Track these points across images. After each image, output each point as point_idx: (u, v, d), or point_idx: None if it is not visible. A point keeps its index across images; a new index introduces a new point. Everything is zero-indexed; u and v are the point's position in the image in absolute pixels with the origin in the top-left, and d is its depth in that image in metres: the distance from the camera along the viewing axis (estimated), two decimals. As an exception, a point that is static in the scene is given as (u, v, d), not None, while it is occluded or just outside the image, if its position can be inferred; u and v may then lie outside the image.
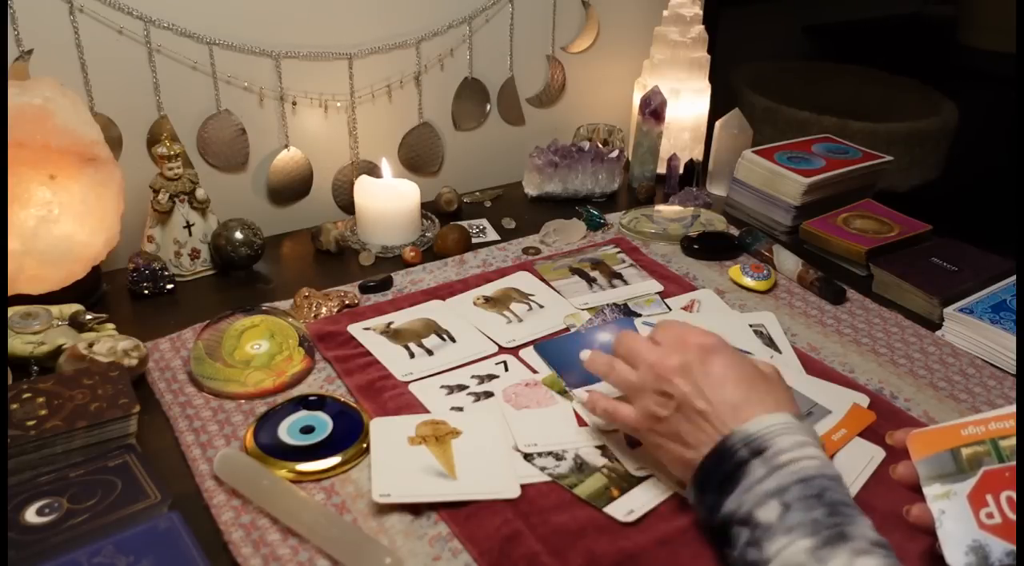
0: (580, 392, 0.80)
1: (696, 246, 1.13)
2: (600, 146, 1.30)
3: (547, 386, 0.85)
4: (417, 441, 0.76)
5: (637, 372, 0.70)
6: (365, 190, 1.13)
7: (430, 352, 0.90)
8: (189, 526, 0.64)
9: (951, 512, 0.59)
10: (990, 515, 0.58)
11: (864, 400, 0.83)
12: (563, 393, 0.84)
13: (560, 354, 0.89)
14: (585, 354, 0.76)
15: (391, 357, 0.89)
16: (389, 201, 1.13)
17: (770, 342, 0.93)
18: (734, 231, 1.19)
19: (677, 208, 1.26)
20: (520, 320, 0.97)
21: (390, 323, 0.95)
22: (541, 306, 0.99)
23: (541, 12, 1.32)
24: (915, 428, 0.68)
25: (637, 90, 1.38)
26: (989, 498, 0.58)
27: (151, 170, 1.05)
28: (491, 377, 0.87)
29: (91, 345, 0.82)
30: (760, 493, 0.59)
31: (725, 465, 0.62)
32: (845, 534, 0.55)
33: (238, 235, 1.04)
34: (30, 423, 0.71)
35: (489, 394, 0.84)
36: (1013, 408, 0.62)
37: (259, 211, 1.19)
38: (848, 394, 0.84)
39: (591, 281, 1.05)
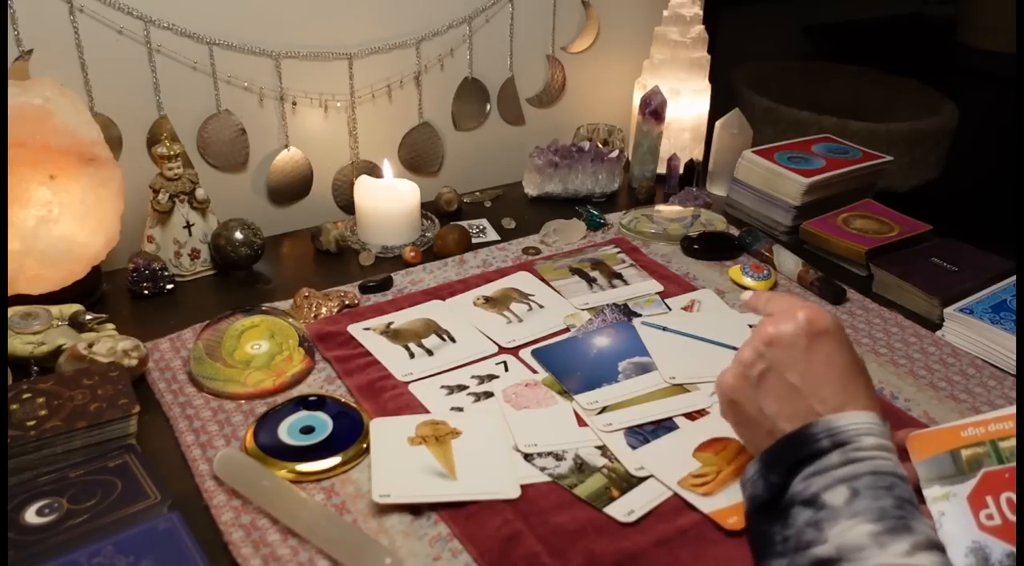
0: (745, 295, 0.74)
1: (696, 246, 1.13)
2: (600, 146, 1.30)
3: (547, 386, 0.85)
4: (417, 441, 0.76)
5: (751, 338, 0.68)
6: (365, 190, 1.13)
7: (430, 352, 0.90)
8: (189, 526, 0.64)
9: (951, 513, 0.60)
10: (990, 516, 0.58)
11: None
12: (563, 393, 0.84)
13: (559, 359, 0.89)
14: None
15: (391, 357, 0.89)
16: (389, 201, 1.13)
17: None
18: (734, 231, 1.19)
19: (677, 208, 1.26)
20: (520, 320, 0.97)
21: (390, 323, 0.95)
22: (541, 306, 0.99)
23: (541, 12, 1.32)
24: (915, 429, 0.68)
25: (637, 90, 1.38)
26: (989, 499, 0.58)
27: (151, 170, 1.05)
28: (491, 377, 0.87)
29: (91, 345, 0.82)
30: (832, 478, 0.59)
31: (803, 449, 0.61)
32: (910, 527, 0.55)
33: (238, 235, 1.04)
34: (30, 423, 0.71)
35: (489, 394, 0.84)
36: (1013, 409, 0.62)
37: (259, 211, 1.19)
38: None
39: (591, 281, 1.05)
